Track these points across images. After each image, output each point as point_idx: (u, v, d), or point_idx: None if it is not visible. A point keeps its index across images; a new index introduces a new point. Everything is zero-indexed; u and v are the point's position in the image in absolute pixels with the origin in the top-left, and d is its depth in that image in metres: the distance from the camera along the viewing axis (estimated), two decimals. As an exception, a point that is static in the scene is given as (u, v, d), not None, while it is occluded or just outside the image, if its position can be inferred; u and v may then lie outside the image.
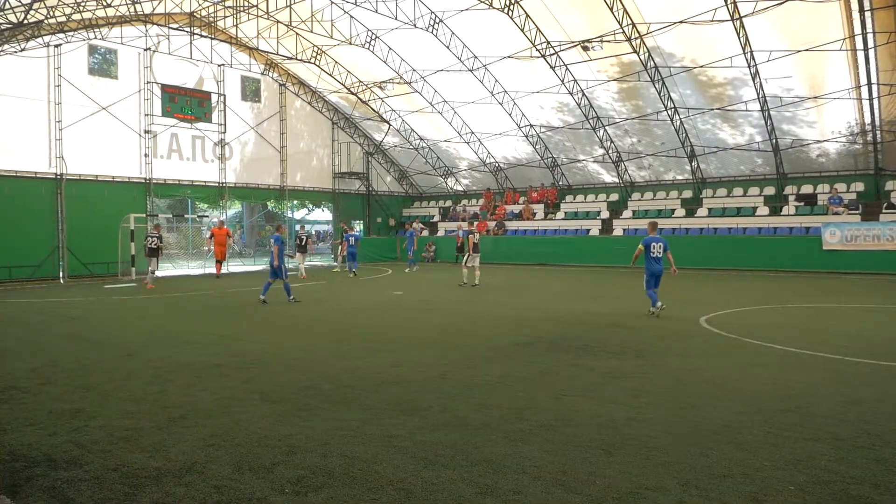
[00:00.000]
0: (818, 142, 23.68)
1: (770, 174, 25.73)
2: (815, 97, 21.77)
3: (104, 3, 19.57)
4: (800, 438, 5.03)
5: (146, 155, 24.39)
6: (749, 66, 21.25)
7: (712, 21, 19.47)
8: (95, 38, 22.48)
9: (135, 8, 21.03)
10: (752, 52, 20.76)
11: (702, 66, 22.29)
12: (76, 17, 20.43)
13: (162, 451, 4.84)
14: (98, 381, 7.16)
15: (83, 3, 19.23)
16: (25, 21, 17.74)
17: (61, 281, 21.39)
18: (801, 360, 8.01)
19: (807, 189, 24.78)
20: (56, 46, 21.69)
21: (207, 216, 29.75)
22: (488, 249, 29.45)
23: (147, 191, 24.40)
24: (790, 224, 23.18)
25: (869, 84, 20.40)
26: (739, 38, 20.18)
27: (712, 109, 24.09)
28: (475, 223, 20.91)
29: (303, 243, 23.72)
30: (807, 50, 19.84)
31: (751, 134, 24.54)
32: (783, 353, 8.47)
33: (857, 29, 18.72)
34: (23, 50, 20.59)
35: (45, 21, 19.24)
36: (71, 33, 21.51)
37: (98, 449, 4.91)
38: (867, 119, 21.87)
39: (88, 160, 22.67)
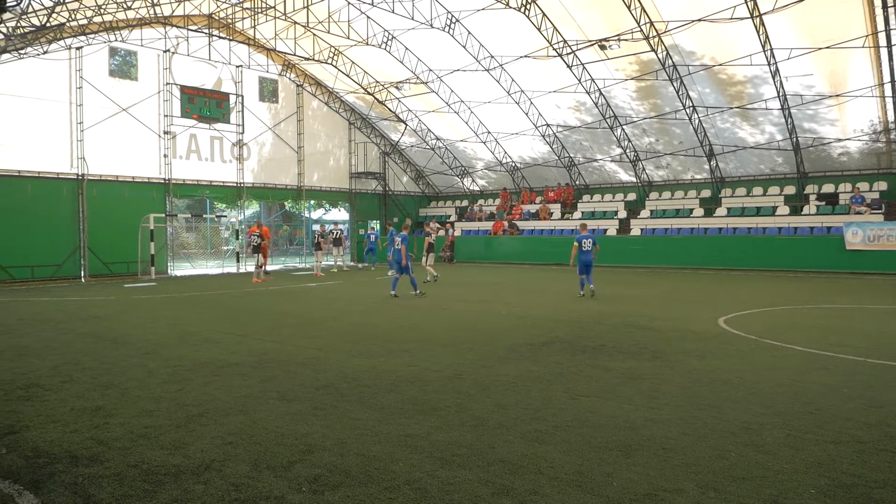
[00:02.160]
0: (840, 140, 23.35)
1: (791, 173, 25.42)
2: (837, 95, 21.47)
3: (124, 6, 19.82)
4: (820, 441, 4.96)
5: (165, 156, 24.65)
6: (769, 64, 21.01)
7: (731, 19, 19.28)
8: (116, 40, 22.76)
9: (154, 10, 21.27)
10: (772, 49, 20.53)
11: (721, 65, 22.08)
12: (97, 19, 20.70)
13: (181, 449, 4.89)
14: (118, 379, 7.25)
15: (104, 6, 19.48)
16: (48, 24, 18.00)
17: (82, 280, 21.70)
18: (821, 361, 7.90)
19: (828, 188, 24.45)
20: (77, 49, 22.00)
21: (226, 216, 30.02)
22: (504, 250, 29.47)
23: (166, 191, 24.67)
24: (811, 224, 22.87)
25: (892, 81, 20.06)
26: (759, 36, 19.96)
27: (731, 108, 23.86)
28: (432, 225, 22.40)
29: (315, 241, 24.07)
30: (828, 47, 19.57)
31: (771, 132, 24.26)
32: (803, 354, 8.36)
33: (880, 26, 18.44)
34: (45, 52, 20.91)
35: (67, 24, 19.51)
36: (92, 36, 21.81)
37: (118, 446, 4.98)
38: (890, 117, 21.53)
39: (109, 161, 22.97)
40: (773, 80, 21.55)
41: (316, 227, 27.00)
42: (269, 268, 24.73)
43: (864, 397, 6.20)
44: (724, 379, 7.00)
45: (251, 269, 25.58)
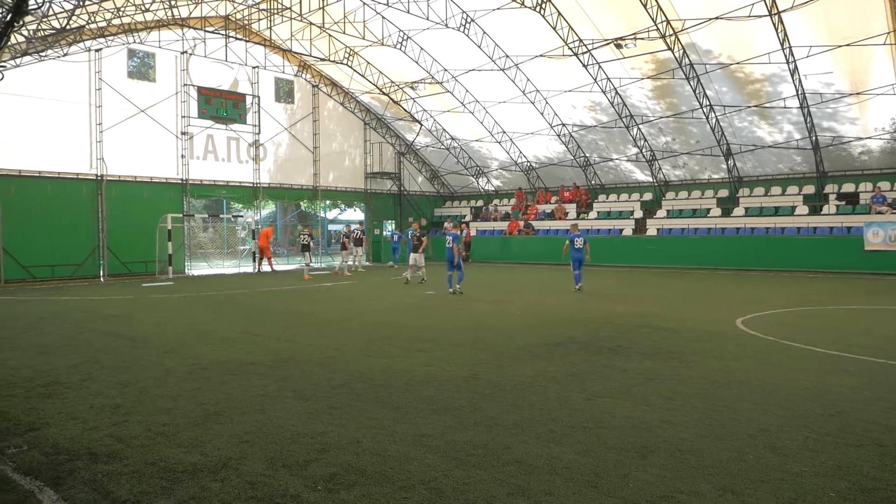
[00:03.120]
0: (860, 139, 23.02)
1: (810, 172, 25.11)
2: (858, 93, 21.17)
3: (143, 8, 20.03)
4: (841, 444, 4.90)
5: (183, 156, 24.88)
6: (788, 62, 20.76)
7: (749, 16, 19.08)
8: (134, 42, 23.01)
9: (172, 12, 21.47)
10: (790, 47, 20.29)
11: (738, 63, 21.86)
12: (116, 22, 20.94)
13: (198, 447, 4.94)
14: (136, 377, 7.33)
15: (123, 9, 19.70)
16: (68, 27, 18.23)
17: (101, 279, 21.95)
18: (841, 363, 7.80)
19: (848, 188, 24.11)
20: (97, 51, 22.27)
21: (242, 216, 30.24)
22: (519, 250, 29.41)
23: (184, 191, 24.89)
24: (831, 224, 22.58)
25: (914, 79, 19.77)
26: (777, 34, 19.74)
27: (749, 107, 23.62)
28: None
29: (341, 240, 24.40)
30: (848, 45, 19.29)
31: (789, 131, 23.98)
32: (823, 356, 8.26)
33: (902, 22, 18.17)
34: (65, 55, 21.18)
35: (87, 26, 19.74)
36: (111, 38, 22.07)
37: (137, 444, 5.03)
38: (912, 115, 21.21)
39: (127, 161, 23.22)
40: (792, 78, 21.30)
41: (340, 227, 27.14)
42: (277, 267, 25.03)
43: (885, 399, 6.11)
44: (742, 380, 6.94)
45: (266, 268, 25.86)
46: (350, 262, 25.33)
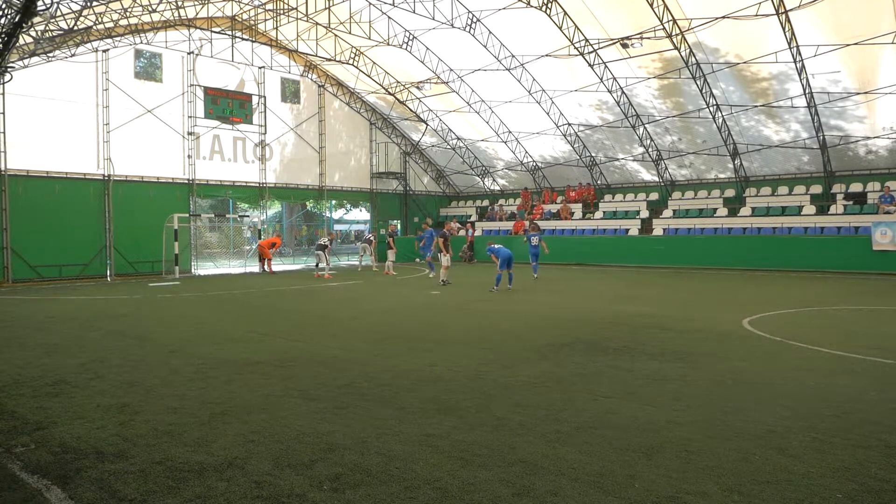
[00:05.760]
0: (868, 138, 22.89)
1: (817, 172, 24.99)
2: (866, 92, 21.05)
3: (150, 9, 20.11)
4: (848, 445, 4.87)
5: (189, 156, 24.96)
6: (795, 61, 20.67)
7: (756, 15, 19.00)
8: (141, 42, 23.10)
9: (178, 13, 21.55)
10: (798, 46, 20.19)
11: (745, 62, 21.77)
12: (123, 22, 21.04)
13: (204, 446, 4.95)
14: (143, 376, 7.36)
15: (129, 9, 19.78)
16: (75, 27, 18.32)
17: (108, 279, 22.05)
18: (849, 364, 7.76)
19: (856, 187, 23.98)
20: (104, 51, 22.37)
21: (248, 216, 30.33)
22: (524, 249, 29.32)
23: (190, 191, 24.98)
24: (838, 224, 22.46)
25: (923, 78, 19.64)
26: (785, 33, 19.66)
27: (756, 106, 23.52)
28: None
29: (387, 241, 24.73)
30: (856, 43, 19.20)
31: (796, 130, 23.87)
32: (830, 356, 8.22)
33: (911, 21, 18.05)
34: (73, 55, 21.29)
35: (94, 27, 19.84)
36: (118, 38, 22.17)
37: (143, 443, 5.05)
38: (921, 114, 21.07)
39: (134, 161, 23.32)
40: (800, 77, 21.20)
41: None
42: (284, 268, 25.05)
43: (893, 401, 6.07)
44: (749, 381, 6.91)
45: (274, 268, 25.93)
46: (370, 262, 25.55)
